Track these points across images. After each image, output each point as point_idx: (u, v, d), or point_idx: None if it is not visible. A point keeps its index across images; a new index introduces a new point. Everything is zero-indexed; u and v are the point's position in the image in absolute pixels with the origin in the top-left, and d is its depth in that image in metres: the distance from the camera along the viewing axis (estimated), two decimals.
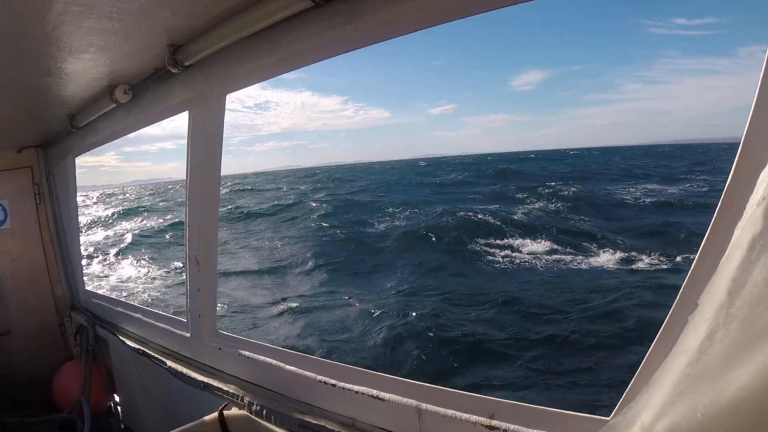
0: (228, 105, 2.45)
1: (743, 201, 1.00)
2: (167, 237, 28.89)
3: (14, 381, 4.41)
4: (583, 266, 15.54)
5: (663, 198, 28.38)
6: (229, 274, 17.89)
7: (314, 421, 2.08)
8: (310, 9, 1.65)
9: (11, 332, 4.46)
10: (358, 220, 27.54)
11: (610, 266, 15.14)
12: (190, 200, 2.64)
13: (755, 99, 0.99)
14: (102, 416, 4.29)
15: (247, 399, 2.40)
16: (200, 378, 2.73)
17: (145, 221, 36.05)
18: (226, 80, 2.29)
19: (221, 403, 2.48)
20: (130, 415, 4.02)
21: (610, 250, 16.82)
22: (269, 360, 2.39)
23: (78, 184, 4.33)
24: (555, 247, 18.06)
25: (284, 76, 2.22)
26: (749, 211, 0.99)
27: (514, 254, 17.66)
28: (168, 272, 19.93)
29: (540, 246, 18.49)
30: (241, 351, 2.54)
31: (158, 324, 3.26)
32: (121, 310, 3.83)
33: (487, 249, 18.22)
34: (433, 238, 20.43)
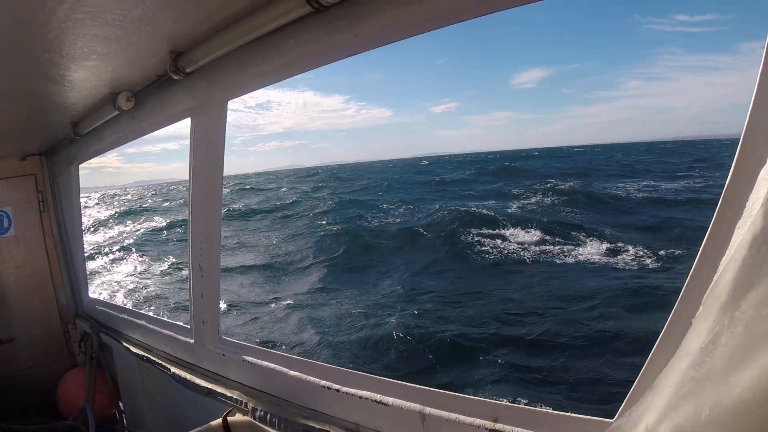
0: (230, 105, 2.46)
1: (743, 199, 1.00)
2: (164, 235, 29.55)
3: (19, 388, 4.42)
4: (590, 264, 15.55)
5: (662, 194, 28.48)
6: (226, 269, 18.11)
7: (318, 427, 2.08)
8: (311, 14, 1.65)
9: (16, 339, 4.47)
10: (356, 216, 28.04)
11: (619, 265, 15.12)
12: (193, 206, 2.65)
13: (754, 96, 0.99)
14: (106, 423, 4.29)
15: (251, 405, 2.40)
16: (204, 384, 2.73)
17: (146, 222, 36.47)
18: (227, 87, 2.29)
19: (225, 409, 2.48)
20: (135, 422, 4.01)
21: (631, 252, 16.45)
22: (273, 365, 2.39)
23: (81, 185, 4.36)
24: (566, 247, 17.95)
25: None
26: (750, 210, 0.98)
27: (521, 252, 17.71)
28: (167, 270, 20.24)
29: (551, 246, 18.41)
30: (244, 357, 2.55)
31: (162, 330, 3.26)
32: (125, 316, 3.84)
33: (497, 250, 18.20)
34: (428, 234, 20.79)
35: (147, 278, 19.43)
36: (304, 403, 2.23)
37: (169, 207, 51.02)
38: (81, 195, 4.50)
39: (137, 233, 30.93)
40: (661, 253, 15.65)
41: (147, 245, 26.83)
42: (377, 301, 13.54)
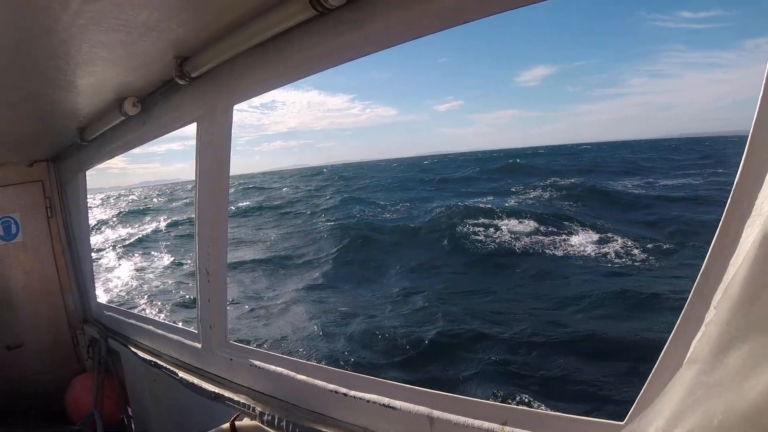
0: (235, 105, 2.45)
1: (753, 197, 0.98)
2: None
3: (27, 393, 4.45)
4: (606, 263, 15.43)
5: (667, 191, 28.38)
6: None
7: (326, 431, 2.08)
8: (316, 18, 1.65)
9: (24, 345, 4.50)
10: (354, 213, 28.48)
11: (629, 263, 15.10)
12: (200, 211, 2.65)
13: (762, 92, 0.96)
14: (114, 428, 4.30)
15: (258, 409, 2.40)
16: (212, 389, 2.73)
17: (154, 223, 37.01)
18: (233, 91, 2.30)
19: (233, 414, 2.48)
20: (143, 427, 4.02)
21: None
22: (280, 370, 2.39)
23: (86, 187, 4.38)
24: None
25: None
26: (759, 208, 0.97)
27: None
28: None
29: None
30: (252, 361, 2.55)
31: (170, 335, 3.27)
32: (133, 322, 3.85)
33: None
34: (424, 231, 21.16)
35: (150, 274, 19.86)
36: (311, 407, 2.23)
37: (173, 207, 51.92)
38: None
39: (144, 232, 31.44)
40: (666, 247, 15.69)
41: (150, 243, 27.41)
42: (371, 297, 13.82)
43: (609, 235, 18.31)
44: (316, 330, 11.35)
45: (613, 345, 9.13)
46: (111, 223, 39.34)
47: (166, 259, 22.33)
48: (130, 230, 33.69)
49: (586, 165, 54.03)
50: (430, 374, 8.88)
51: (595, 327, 10.09)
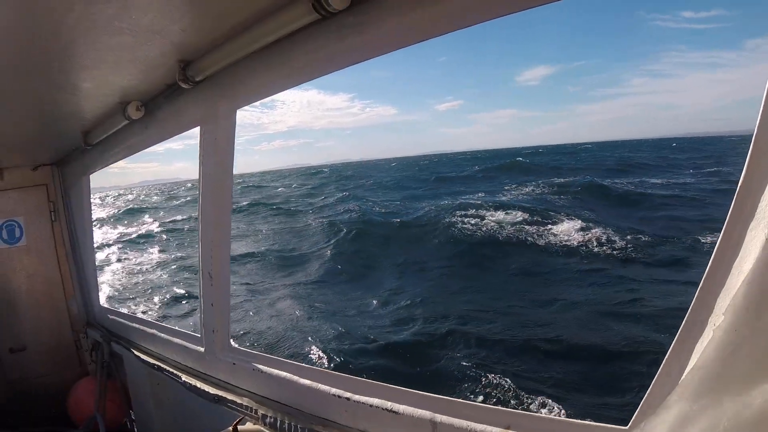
0: None
1: (756, 200, 0.98)
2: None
3: (29, 397, 4.45)
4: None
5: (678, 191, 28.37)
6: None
7: None
8: (318, 21, 1.65)
9: (27, 348, 4.50)
10: (349, 210, 28.90)
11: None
12: (203, 214, 2.65)
13: (765, 94, 0.95)
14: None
15: (261, 413, 2.40)
16: (215, 392, 2.73)
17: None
18: (236, 95, 2.30)
19: (236, 418, 2.48)
20: (145, 430, 4.02)
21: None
22: (283, 374, 2.39)
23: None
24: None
25: None
26: (763, 212, 0.97)
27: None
28: None
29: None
30: (254, 365, 2.55)
31: (173, 339, 3.27)
32: (136, 325, 3.85)
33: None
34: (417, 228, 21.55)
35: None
36: (314, 411, 2.22)
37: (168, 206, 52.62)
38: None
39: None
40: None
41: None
42: (360, 292, 14.32)
43: (603, 229, 18.55)
44: (299, 320, 11.86)
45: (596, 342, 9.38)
46: (108, 221, 40.03)
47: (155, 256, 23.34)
48: (124, 229, 34.29)
49: (584, 164, 54.77)
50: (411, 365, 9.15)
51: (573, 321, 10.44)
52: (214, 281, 2.68)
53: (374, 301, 13.29)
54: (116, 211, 49.91)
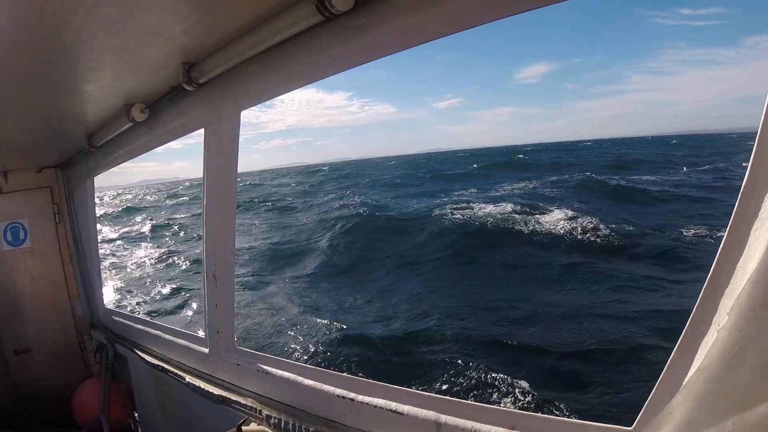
0: None
1: (760, 200, 0.98)
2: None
3: (34, 398, 4.46)
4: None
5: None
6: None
7: None
8: (322, 23, 1.65)
9: (31, 350, 4.51)
10: (343, 206, 29.44)
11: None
12: (207, 216, 2.65)
13: None
14: None
15: (265, 414, 2.40)
16: (219, 393, 2.74)
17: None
18: (240, 97, 2.30)
19: (240, 419, 2.48)
20: None
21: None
22: (287, 375, 2.39)
23: None
24: None
25: None
26: (767, 212, 0.97)
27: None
28: None
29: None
30: (259, 366, 2.55)
31: (177, 340, 3.28)
32: (141, 327, 3.86)
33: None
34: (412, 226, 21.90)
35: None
36: (318, 412, 2.23)
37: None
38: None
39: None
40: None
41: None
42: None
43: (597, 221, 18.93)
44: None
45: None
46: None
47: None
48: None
49: (583, 160, 55.24)
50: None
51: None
52: (219, 282, 2.68)
53: (359, 296, 13.78)
54: (116, 210, 50.56)
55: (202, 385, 2.90)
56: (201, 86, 2.29)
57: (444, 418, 1.75)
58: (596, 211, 20.29)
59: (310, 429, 2.18)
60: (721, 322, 1.02)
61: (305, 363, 2.64)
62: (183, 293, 15.81)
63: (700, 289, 1.09)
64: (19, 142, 3.57)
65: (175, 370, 3.21)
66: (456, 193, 30.38)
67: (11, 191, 4.39)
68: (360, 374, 8.55)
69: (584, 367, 8.46)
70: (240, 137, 2.51)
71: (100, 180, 4.31)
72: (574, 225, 17.92)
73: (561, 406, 7.26)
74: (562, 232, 17.50)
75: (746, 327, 0.96)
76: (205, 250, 2.70)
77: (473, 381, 8.36)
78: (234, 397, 2.64)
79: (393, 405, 1.91)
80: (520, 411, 1.67)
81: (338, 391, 2.13)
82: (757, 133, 0.98)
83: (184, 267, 20.44)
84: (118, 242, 28.68)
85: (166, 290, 16.38)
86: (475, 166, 57.96)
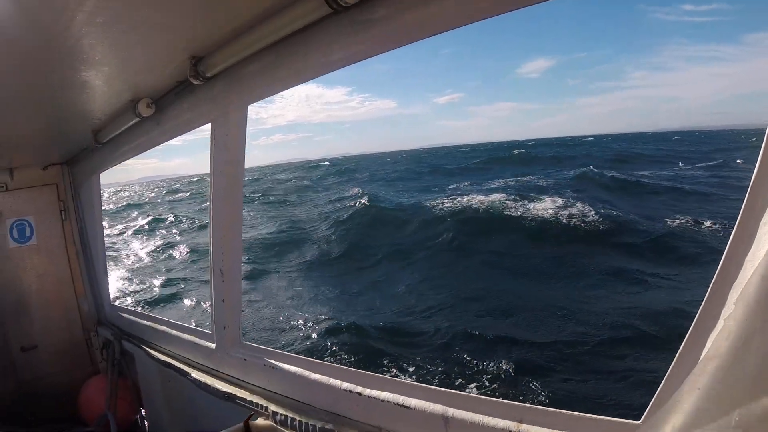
0: None
1: None
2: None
3: (41, 395, 4.47)
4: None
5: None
6: None
7: (339, 431, 2.07)
8: (330, 16, 1.65)
9: (38, 347, 4.52)
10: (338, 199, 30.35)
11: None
12: (214, 211, 2.64)
13: None
14: (128, 430, 4.32)
15: (272, 409, 2.39)
16: (225, 389, 2.73)
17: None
18: (248, 91, 2.29)
19: (247, 414, 2.48)
20: (156, 429, 4.02)
21: None
22: (294, 369, 2.38)
23: None
24: None
25: None
26: None
27: None
28: None
29: None
30: (265, 361, 2.54)
31: (184, 336, 3.28)
32: (147, 323, 3.86)
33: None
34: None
35: None
36: (325, 407, 2.22)
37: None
38: None
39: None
40: None
41: None
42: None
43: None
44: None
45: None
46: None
47: None
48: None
49: (583, 154, 55.64)
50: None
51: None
52: (225, 278, 2.67)
53: (350, 284, 14.45)
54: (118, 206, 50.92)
55: (209, 380, 2.89)
56: (208, 80, 2.28)
57: (452, 411, 1.74)
58: (588, 200, 20.92)
59: (318, 425, 2.17)
60: (729, 313, 1.02)
61: (296, 351, 2.64)
62: (180, 283, 16.46)
63: (710, 283, 1.08)
64: (25, 139, 3.56)
65: (182, 366, 3.21)
66: (451, 186, 31.53)
67: (17, 188, 4.40)
68: (349, 362, 8.86)
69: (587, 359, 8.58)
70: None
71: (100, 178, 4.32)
72: (565, 212, 18.78)
73: (565, 398, 7.35)
74: (549, 216, 18.44)
75: (753, 318, 0.96)
76: (212, 246, 2.70)
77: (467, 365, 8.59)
78: (240, 393, 2.63)
79: (400, 399, 1.90)
80: (528, 405, 1.64)
81: (345, 385, 2.12)
82: (765, 130, 0.97)
83: (181, 258, 21.24)
84: (121, 237, 29.13)
85: (163, 279, 17.11)
86: (475, 160, 58.72)
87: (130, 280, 17.72)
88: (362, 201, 25.91)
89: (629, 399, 7.02)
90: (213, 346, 2.90)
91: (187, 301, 14.25)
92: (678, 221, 17.42)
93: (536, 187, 26.57)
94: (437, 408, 1.79)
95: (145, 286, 16.65)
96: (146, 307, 14.10)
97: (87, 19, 1.63)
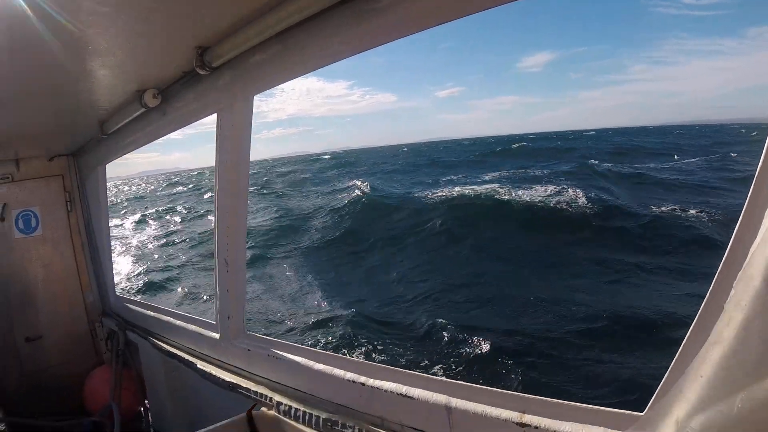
0: None
1: None
2: None
3: (45, 386, 4.49)
4: None
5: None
6: None
7: (343, 421, 2.07)
8: (336, 5, 1.64)
9: (42, 337, 4.53)
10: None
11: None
12: (219, 202, 2.64)
13: None
14: (132, 420, 4.33)
15: (275, 399, 2.40)
16: (229, 379, 2.74)
17: None
18: (254, 81, 2.27)
19: (250, 404, 2.49)
20: (160, 419, 4.04)
21: None
22: (298, 359, 2.39)
23: None
24: None
25: None
26: None
27: None
28: None
29: None
30: (269, 351, 2.55)
31: (188, 326, 3.28)
32: (152, 314, 3.87)
33: None
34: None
35: None
36: (329, 397, 2.22)
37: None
38: None
39: None
40: None
41: None
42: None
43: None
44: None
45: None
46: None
47: None
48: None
49: (584, 146, 56.48)
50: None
51: None
52: (230, 268, 2.68)
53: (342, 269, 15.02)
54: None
55: (213, 371, 2.90)
56: (214, 71, 2.27)
57: (455, 402, 1.74)
58: (582, 188, 21.48)
59: (321, 415, 2.17)
60: (730, 298, 1.02)
61: (316, 348, 2.64)
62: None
63: (715, 273, 1.08)
64: (31, 130, 3.56)
65: (186, 356, 3.23)
66: (446, 178, 32.16)
67: (23, 179, 4.40)
68: (331, 349, 9.02)
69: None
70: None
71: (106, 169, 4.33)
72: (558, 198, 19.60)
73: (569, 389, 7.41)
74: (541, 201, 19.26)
75: (754, 303, 0.96)
76: (217, 236, 2.70)
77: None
78: (244, 383, 2.64)
79: (404, 389, 1.91)
80: (531, 396, 1.63)
81: (349, 375, 2.13)
82: None
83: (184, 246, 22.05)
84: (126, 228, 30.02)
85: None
86: (474, 154, 59.11)
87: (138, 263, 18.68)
88: (359, 191, 26.26)
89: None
90: (217, 336, 2.91)
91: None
92: (664, 209, 18.07)
93: (532, 178, 27.23)
94: (440, 398, 1.79)
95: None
96: (154, 294, 14.69)
97: (93, 8, 1.63)
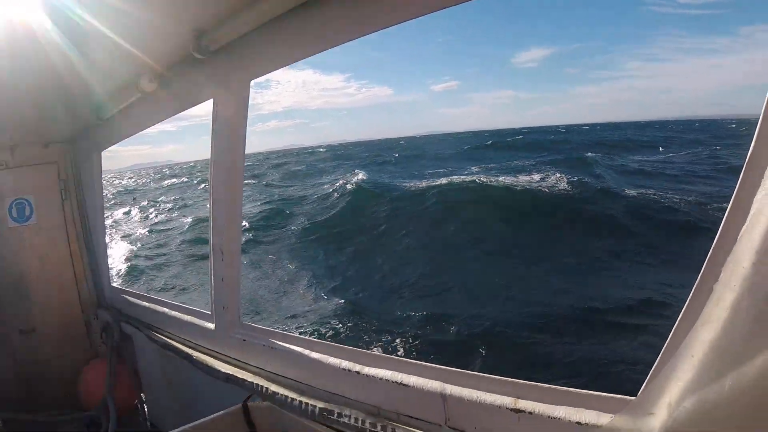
0: None
1: (765, 167, 0.99)
2: None
3: (39, 379, 4.42)
4: None
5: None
6: None
7: (339, 410, 2.07)
8: None
9: (36, 329, 4.44)
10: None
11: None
12: (214, 190, 2.62)
13: None
14: (128, 414, 4.29)
15: (271, 389, 2.39)
16: (225, 370, 2.72)
17: None
18: (251, 65, 2.25)
19: (246, 395, 2.48)
20: (156, 412, 4.01)
21: None
22: (294, 348, 2.38)
23: None
24: None
25: None
26: None
27: None
28: None
29: None
30: (265, 341, 2.53)
31: (183, 317, 3.26)
32: (147, 305, 3.82)
33: None
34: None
35: None
36: (324, 386, 2.21)
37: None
38: None
39: None
40: None
41: None
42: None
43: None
44: None
45: None
46: None
47: None
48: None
49: (579, 140, 57.61)
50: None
51: None
52: (225, 257, 2.65)
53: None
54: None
55: (208, 361, 2.88)
56: (211, 55, 2.25)
57: (449, 388, 1.74)
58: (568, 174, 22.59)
59: (316, 404, 2.17)
60: (719, 279, 1.04)
61: (312, 337, 2.64)
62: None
63: (705, 258, 1.09)
64: (26, 115, 3.50)
65: (181, 348, 3.20)
66: (441, 170, 33.07)
67: (17, 166, 4.29)
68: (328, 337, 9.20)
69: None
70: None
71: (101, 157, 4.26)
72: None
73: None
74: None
75: (742, 283, 0.97)
76: (212, 224, 2.67)
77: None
78: (240, 374, 2.62)
79: (399, 377, 1.90)
80: (525, 381, 1.64)
81: (344, 363, 2.12)
82: (761, 111, 0.99)
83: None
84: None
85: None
86: (468, 146, 60.19)
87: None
88: (352, 183, 26.67)
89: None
90: (212, 326, 2.89)
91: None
92: (648, 193, 19.32)
93: (521, 168, 28.36)
94: (435, 385, 1.79)
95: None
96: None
97: None
